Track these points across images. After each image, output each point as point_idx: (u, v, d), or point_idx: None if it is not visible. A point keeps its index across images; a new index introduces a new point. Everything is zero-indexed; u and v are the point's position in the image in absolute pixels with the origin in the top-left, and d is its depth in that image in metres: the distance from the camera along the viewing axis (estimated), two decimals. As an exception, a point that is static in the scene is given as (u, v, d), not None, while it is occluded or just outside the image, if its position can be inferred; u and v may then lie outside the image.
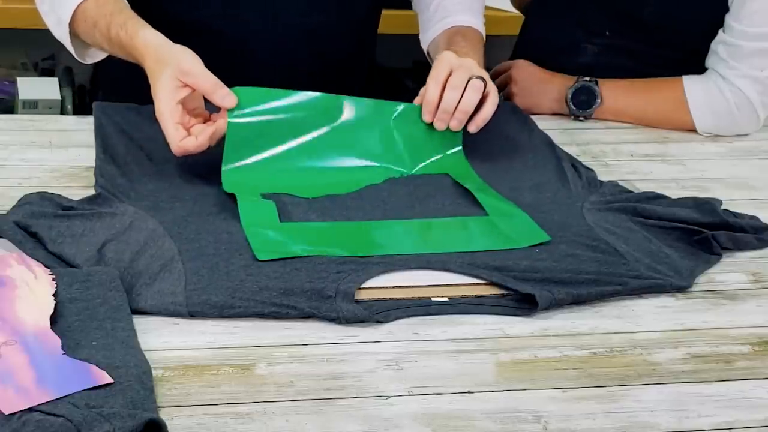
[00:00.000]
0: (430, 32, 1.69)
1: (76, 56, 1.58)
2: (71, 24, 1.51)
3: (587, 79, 1.72)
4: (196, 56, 1.36)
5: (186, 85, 1.34)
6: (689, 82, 1.71)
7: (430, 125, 1.45)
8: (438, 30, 1.67)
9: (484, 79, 1.46)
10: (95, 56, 1.58)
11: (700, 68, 1.73)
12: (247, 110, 1.37)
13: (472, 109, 1.44)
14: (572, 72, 1.74)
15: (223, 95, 1.35)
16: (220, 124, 1.36)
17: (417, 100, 1.47)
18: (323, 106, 1.43)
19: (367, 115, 1.45)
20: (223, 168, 1.35)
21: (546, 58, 1.80)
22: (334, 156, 1.42)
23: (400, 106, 1.46)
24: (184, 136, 1.33)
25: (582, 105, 1.73)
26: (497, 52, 2.01)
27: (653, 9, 1.73)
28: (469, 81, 1.44)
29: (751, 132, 1.73)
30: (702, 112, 1.71)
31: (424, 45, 1.71)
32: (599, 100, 1.72)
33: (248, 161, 1.37)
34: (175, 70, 1.34)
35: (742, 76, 1.68)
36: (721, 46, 1.69)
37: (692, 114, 1.71)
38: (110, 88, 1.79)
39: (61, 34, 1.54)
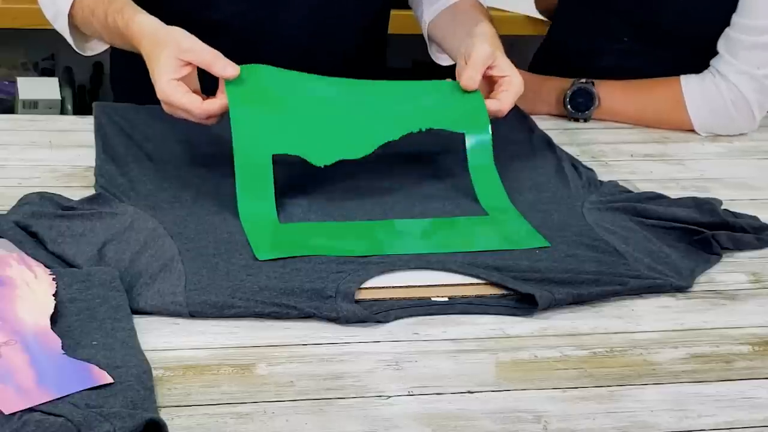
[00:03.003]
0: (433, 6, 1.66)
1: (75, 48, 1.58)
2: (70, 14, 1.51)
3: (584, 81, 1.72)
4: (192, 35, 1.35)
5: (186, 64, 1.33)
6: (686, 80, 1.71)
7: (451, 99, 1.41)
8: (442, 6, 1.65)
9: None
10: (95, 48, 1.58)
11: None
12: (249, 83, 1.34)
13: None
14: (592, 75, 1.74)
15: (224, 65, 1.33)
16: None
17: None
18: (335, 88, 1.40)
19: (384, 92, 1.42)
20: (233, 130, 1.30)
21: (567, 61, 1.81)
22: (347, 112, 1.38)
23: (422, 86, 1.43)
24: (202, 100, 1.32)
25: (580, 107, 1.73)
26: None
27: (671, 18, 1.72)
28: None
29: (748, 131, 1.72)
30: (699, 109, 1.70)
31: (426, 20, 1.67)
32: (597, 102, 1.72)
33: (256, 122, 1.33)
34: (174, 50, 1.33)
35: (738, 73, 1.67)
36: (722, 40, 1.69)
37: (689, 112, 1.70)
38: (123, 71, 1.77)
39: (61, 26, 1.54)
